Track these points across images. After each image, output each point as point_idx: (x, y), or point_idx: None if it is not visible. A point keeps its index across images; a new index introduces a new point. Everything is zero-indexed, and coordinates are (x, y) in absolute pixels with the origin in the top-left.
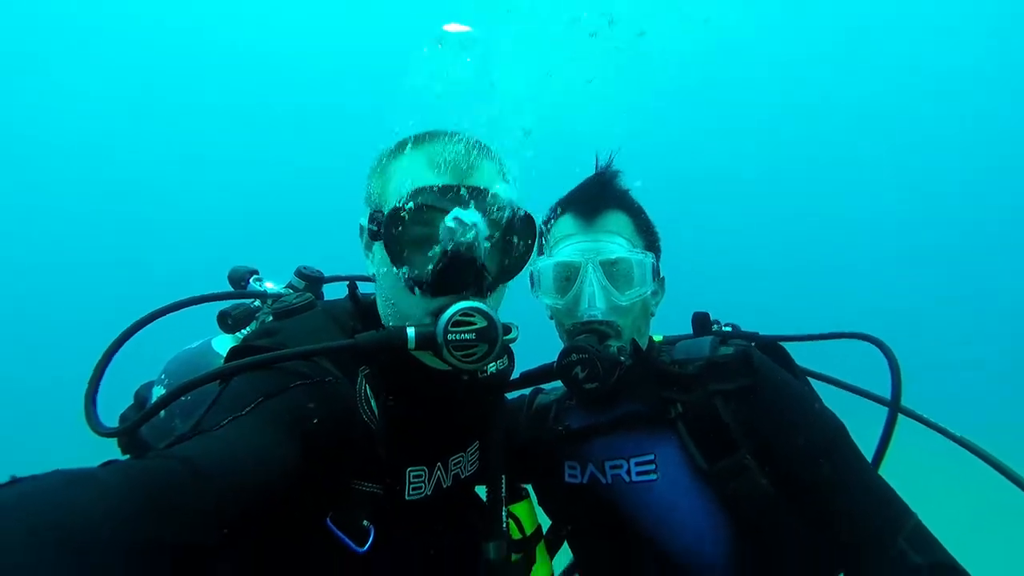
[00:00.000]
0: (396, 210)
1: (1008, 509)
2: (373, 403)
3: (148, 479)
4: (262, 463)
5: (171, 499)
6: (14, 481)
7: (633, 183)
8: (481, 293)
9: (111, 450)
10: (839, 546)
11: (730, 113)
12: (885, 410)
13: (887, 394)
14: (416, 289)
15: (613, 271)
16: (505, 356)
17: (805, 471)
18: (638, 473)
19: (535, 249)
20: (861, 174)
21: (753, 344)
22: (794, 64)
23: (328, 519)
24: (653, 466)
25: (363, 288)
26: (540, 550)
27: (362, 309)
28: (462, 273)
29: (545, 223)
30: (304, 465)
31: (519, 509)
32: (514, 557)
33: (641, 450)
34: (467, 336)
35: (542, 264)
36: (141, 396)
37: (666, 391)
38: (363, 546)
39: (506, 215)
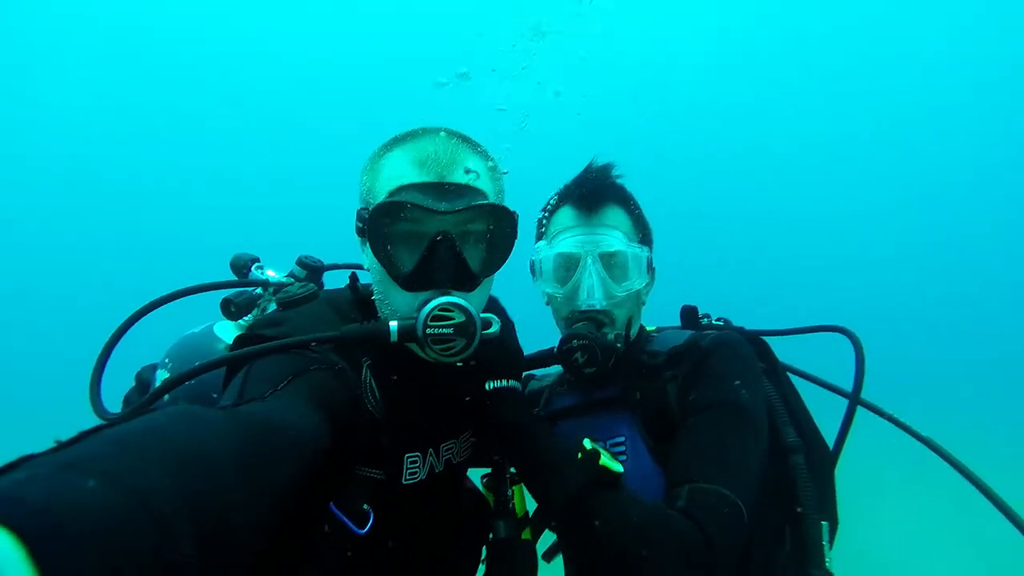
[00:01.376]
0: (379, 207)
1: (971, 512)
2: (376, 392)
3: (244, 424)
4: (306, 431)
5: (267, 444)
6: (143, 411)
7: (629, 181)
8: (462, 288)
9: None
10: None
11: (724, 112)
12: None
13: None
14: (401, 283)
15: (611, 263)
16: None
17: (681, 417)
18: (612, 455)
19: (535, 237)
20: (854, 170)
21: None
22: (783, 60)
23: (332, 503)
24: (624, 447)
25: (363, 277)
26: (525, 533)
27: (361, 299)
28: (442, 268)
29: (544, 212)
30: (328, 441)
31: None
32: (525, 534)
33: (613, 433)
34: (445, 331)
35: (543, 254)
36: (143, 378)
37: (635, 378)
38: (363, 528)
39: (487, 211)
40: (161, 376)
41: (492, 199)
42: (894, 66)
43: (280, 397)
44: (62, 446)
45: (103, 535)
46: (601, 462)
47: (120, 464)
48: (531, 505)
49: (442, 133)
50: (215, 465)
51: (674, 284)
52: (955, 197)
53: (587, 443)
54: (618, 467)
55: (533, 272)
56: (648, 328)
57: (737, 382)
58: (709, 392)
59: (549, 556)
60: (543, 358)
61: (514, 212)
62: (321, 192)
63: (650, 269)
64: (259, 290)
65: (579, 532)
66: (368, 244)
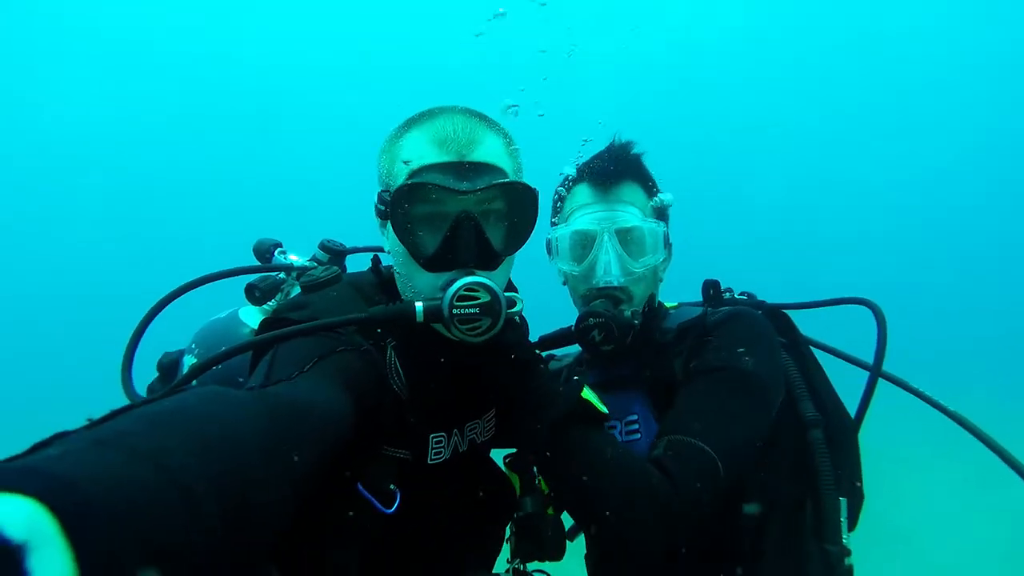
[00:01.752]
0: (401, 189)
1: (1000, 487)
2: (401, 373)
3: (271, 405)
4: (332, 412)
5: (293, 425)
6: (172, 391)
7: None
8: (486, 267)
9: None
10: None
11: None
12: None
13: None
14: (424, 264)
15: (627, 239)
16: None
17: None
18: (627, 432)
19: (551, 218)
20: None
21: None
22: (803, 53)
23: (358, 483)
24: (637, 426)
25: (385, 260)
26: (550, 510)
27: (384, 282)
28: (466, 247)
29: (560, 191)
30: (355, 421)
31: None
32: (550, 511)
33: (627, 411)
34: (471, 310)
35: (559, 232)
36: (165, 366)
37: (648, 356)
38: (390, 508)
39: (508, 189)
40: (188, 361)
41: (511, 177)
42: (912, 45)
43: (306, 378)
44: (94, 424)
45: (133, 511)
46: (584, 395)
47: (151, 442)
48: None
49: (459, 112)
50: (241, 445)
51: (705, 262)
52: (986, 173)
53: (576, 379)
54: (603, 408)
55: (549, 251)
56: (669, 304)
57: (741, 349)
58: (710, 358)
59: (572, 534)
60: (561, 337)
61: (534, 189)
62: (339, 178)
63: (667, 245)
64: (282, 275)
65: (555, 464)
66: (390, 226)
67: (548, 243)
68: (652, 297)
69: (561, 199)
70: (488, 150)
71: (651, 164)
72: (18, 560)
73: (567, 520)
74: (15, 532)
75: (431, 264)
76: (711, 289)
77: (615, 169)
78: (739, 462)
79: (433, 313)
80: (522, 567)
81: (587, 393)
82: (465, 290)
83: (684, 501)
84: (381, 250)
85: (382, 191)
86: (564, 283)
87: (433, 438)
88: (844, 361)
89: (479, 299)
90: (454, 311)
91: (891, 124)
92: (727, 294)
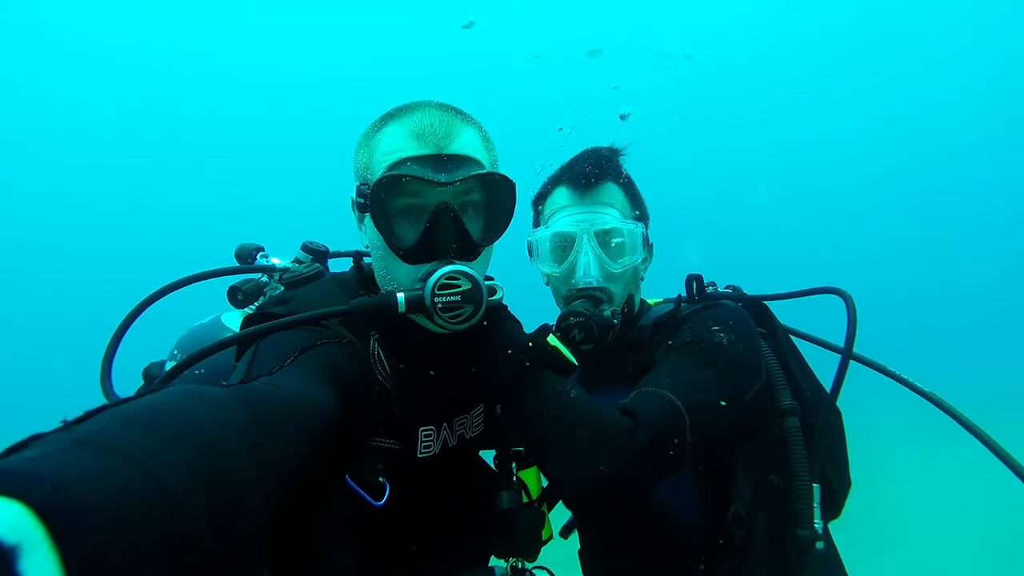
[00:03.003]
0: (380, 182)
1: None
2: (386, 364)
3: (250, 400)
4: (316, 405)
5: (274, 419)
6: (142, 393)
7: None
8: (465, 257)
9: None
10: None
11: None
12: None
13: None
14: (404, 256)
15: (607, 240)
16: None
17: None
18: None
19: (533, 218)
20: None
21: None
22: (792, 58)
23: (347, 476)
24: None
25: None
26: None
27: (367, 278)
28: (445, 238)
29: (541, 195)
30: (340, 413)
31: (526, 475)
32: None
33: None
34: (453, 298)
35: (540, 234)
36: (150, 375)
37: (628, 353)
38: (380, 500)
39: (486, 180)
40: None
41: (488, 169)
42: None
43: (287, 372)
44: (70, 424)
45: (119, 512)
46: (551, 342)
47: (131, 441)
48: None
49: (435, 106)
50: (223, 441)
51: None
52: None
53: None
54: (572, 359)
55: (530, 253)
56: (653, 301)
57: (715, 327)
58: (685, 336)
59: (566, 532)
60: None
61: (512, 180)
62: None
63: (647, 245)
64: (265, 277)
65: (516, 405)
66: (368, 220)
67: (529, 245)
68: (632, 297)
69: (541, 201)
70: (465, 143)
71: (649, 163)
72: (10, 563)
73: (558, 519)
74: (7, 535)
75: (411, 255)
76: (694, 283)
77: (594, 171)
78: (706, 421)
79: (415, 303)
80: (520, 564)
81: (555, 342)
82: (446, 278)
83: (642, 436)
84: (365, 254)
85: (360, 184)
86: (547, 284)
87: (422, 431)
88: (823, 348)
89: (460, 287)
90: (436, 299)
91: (887, 125)
92: (710, 288)
